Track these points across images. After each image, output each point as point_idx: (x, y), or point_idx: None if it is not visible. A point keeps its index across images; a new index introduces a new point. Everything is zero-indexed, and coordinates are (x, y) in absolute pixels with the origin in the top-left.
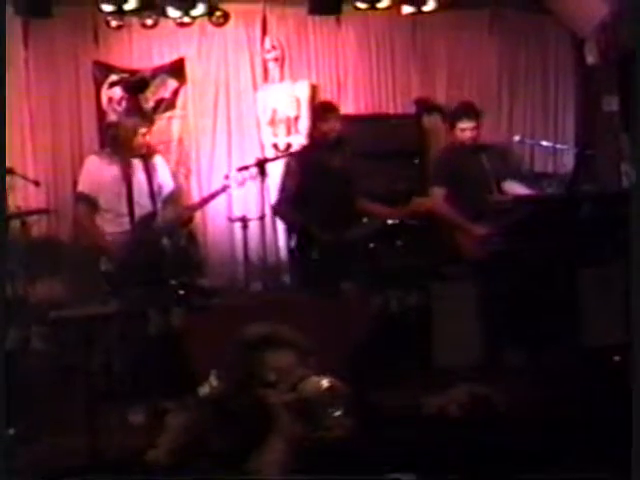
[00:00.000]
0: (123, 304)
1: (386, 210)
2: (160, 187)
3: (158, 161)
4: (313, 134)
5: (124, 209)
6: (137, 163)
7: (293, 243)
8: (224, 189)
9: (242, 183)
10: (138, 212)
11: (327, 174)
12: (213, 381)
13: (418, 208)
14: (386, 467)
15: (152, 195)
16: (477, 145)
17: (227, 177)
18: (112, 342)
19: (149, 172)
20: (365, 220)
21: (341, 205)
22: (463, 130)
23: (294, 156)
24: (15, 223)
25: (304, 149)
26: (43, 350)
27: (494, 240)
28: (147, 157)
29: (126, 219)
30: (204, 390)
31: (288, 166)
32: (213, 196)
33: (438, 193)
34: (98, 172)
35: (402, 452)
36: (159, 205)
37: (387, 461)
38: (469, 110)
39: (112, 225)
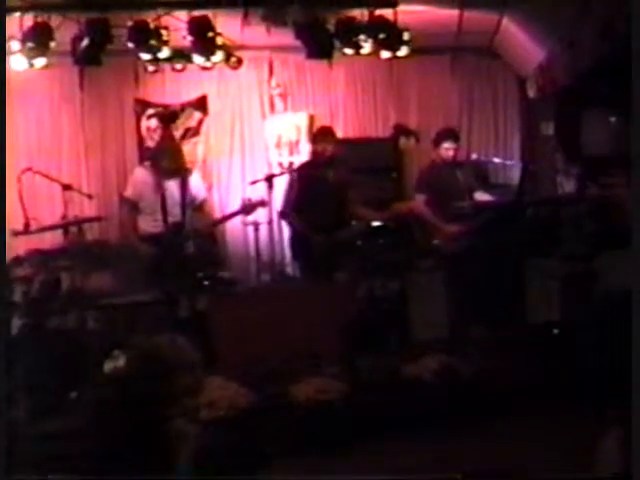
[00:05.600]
0: (160, 293)
1: (371, 213)
2: (192, 198)
3: (195, 176)
4: (313, 153)
5: (159, 214)
6: (176, 179)
7: (295, 242)
8: (241, 211)
9: (253, 209)
10: (171, 218)
11: (322, 186)
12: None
13: (398, 210)
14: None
15: (183, 204)
16: (454, 162)
17: (244, 200)
18: (150, 323)
19: (182, 185)
20: (353, 223)
21: (334, 211)
22: (447, 149)
23: (296, 172)
24: (73, 229)
25: (304, 166)
26: (96, 330)
27: (462, 237)
28: (178, 173)
29: (160, 223)
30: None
31: (291, 180)
32: (232, 215)
33: (419, 199)
34: (142, 180)
35: (384, 412)
36: (189, 213)
37: (373, 420)
38: (452, 134)
39: (149, 226)
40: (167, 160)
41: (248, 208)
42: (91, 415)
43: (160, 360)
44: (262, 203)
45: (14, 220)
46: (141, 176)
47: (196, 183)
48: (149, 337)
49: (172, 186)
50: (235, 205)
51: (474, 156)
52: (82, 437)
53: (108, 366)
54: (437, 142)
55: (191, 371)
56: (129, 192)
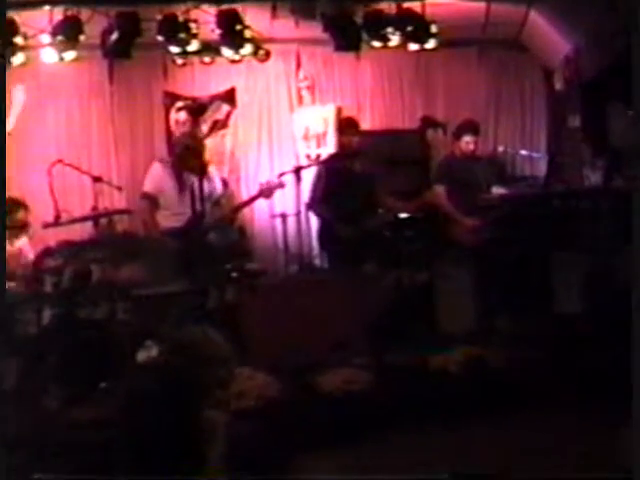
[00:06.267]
0: (188, 284)
1: (399, 205)
2: (211, 192)
3: (211, 170)
4: (339, 145)
5: (179, 209)
6: (191, 173)
7: (323, 233)
8: (260, 195)
9: (272, 193)
10: (190, 212)
11: (349, 178)
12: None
13: (423, 200)
14: (399, 415)
15: (202, 198)
16: (475, 155)
17: (261, 185)
18: (179, 314)
19: (201, 180)
20: (380, 214)
21: (361, 202)
22: (467, 142)
23: (323, 164)
24: (103, 221)
25: (331, 158)
26: (126, 320)
27: (482, 230)
28: (200, 169)
29: (180, 217)
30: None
31: (318, 172)
32: (252, 200)
33: (439, 190)
34: (160, 176)
35: (410, 403)
36: (208, 207)
37: (399, 411)
38: (473, 127)
39: (169, 221)
40: (187, 155)
41: (266, 192)
42: (124, 405)
43: (193, 351)
44: (280, 185)
45: (45, 212)
46: (159, 171)
47: (213, 178)
48: (182, 328)
49: (191, 180)
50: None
51: (501, 148)
52: (114, 427)
53: (141, 356)
54: (457, 135)
55: (223, 362)
56: (149, 187)
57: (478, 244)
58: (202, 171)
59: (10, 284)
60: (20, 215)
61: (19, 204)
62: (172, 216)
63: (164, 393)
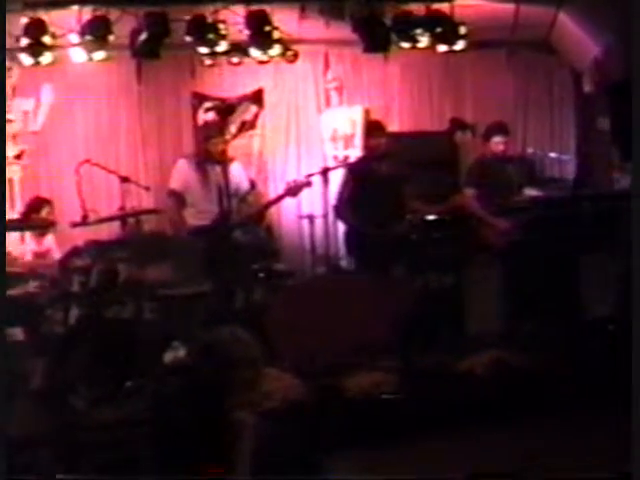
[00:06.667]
0: (215, 284)
1: (426, 207)
2: (237, 189)
3: (235, 166)
4: (366, 148)
5: (205, 206)
6: (217, 168)
7: (350, 236)
8: (286, 194)
9: (298, 191)
10: (217, 209)
11: (376, 180)
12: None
13: (452, 203)
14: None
15: (228, 195)
16: (504, 156)
17: (288, 184)
18: (206, 314)
19: (226, 175)
20: (408, 217)
21: (389, 205)
22: (497, 144)
23: (351, 165)
24: (130, 221)
25: (359, 160)
26: (152, 320)
27: (511, 232)
28: (226, 164)
29: (206, 215)
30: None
31: (345, 174)
32: (278, 199)
33: (468, 193)
34: (186, 173)
35: (437, 405)
36: (234, 204)
37: (426, 412)
38: (502, 128)
39: (196, 219)
40: (209, 142)
41: (294, 190)
42: (151, 405)
43: (222, 352)
44: (307, 184)
45: (72, 212)
46: (185, 168)
47: (238, 174)
48: (211, 329)
49: (216, 177)
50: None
51: (529, 150)
52: (140, 426)
53: (168, 357)
54: (487, 136)
55: (251, 363)
56: (175, 184)
57: (508, 247)
58: (227, 168)
59: (37, 283)
60: (44, 213)
61: (43, 202)
62: (198, 214)
63: (192, 393)
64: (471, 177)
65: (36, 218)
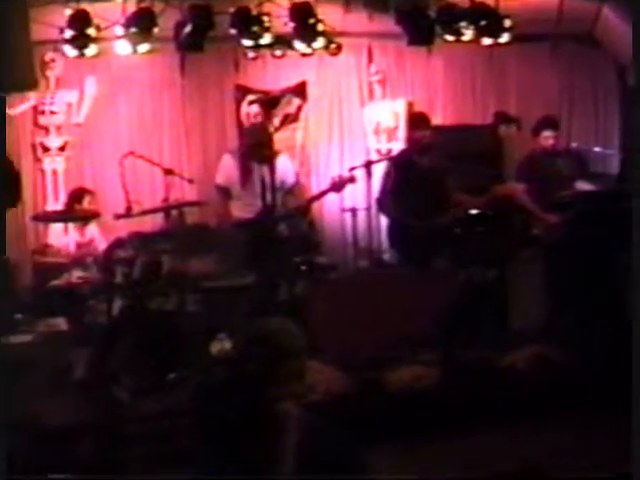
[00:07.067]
0: (258, 277)
1: (470, 200)
2: (282, 181)
3: (282, 159)
4: (409, 141)
5: (250, 199)
6: (261, 163)
7: (393, 229)
8: (331, 189)
9: (343, 186)
10: (261, 202)
11: (420, 173)
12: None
13: (497, 193)
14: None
15: (274, 188)
16: (554, 150)
17: (332, 179)
18: (249, 307)
19: (272, 169)
20: (451, 210)
21: (432, 198)
22: (547, 138)
23: (394, 158)
24: (174, 213)
25: (402, 153)
26: (196, 312)
27: (562, 227)
28: (270, 160)
29: (252, 208)
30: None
31: (388, 167)
32: (323, 193)
33: (520, 187)
34: (231, 167)
35: (479, 400)
36: (280, 196)
37: (467, 407)
38: (552, 122)
39: (242, 211)
40: (256, 148)
41: (338, 185)
42: (198, 396)
43: (272, 343)
44: (352, 180)
45: (116, 203)
46: (230, 162)
47: (285, 167)
48: (260, 320)
49: (261, 171)
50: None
51: (574, 145)
52: (184, 418)
53: (214, 348)
54: (537, 130)
55: (298, 354)
56: (220, 179)
57: (556, 241)
58: (273, 160)
59: (80, 274)
60: (86, 203)
61: (85, 192)
62: (244, 206)
63: (238, 384)
64: (521, 171)
65: (79, 209)
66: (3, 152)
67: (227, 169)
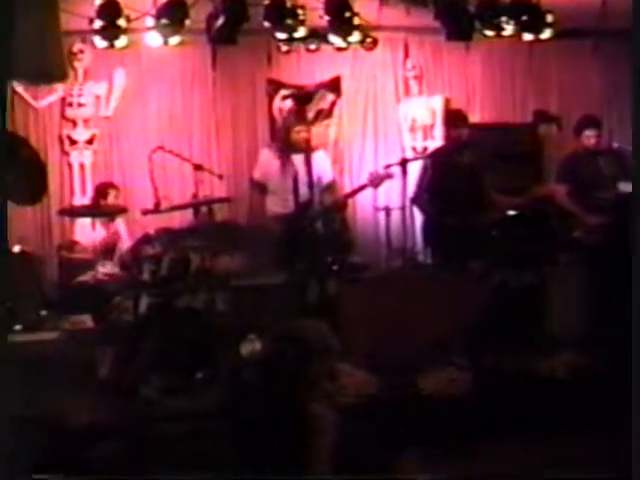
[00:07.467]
0: (288, 276)
1: (508, 201)
2: (320, 178)
3: (320, 156)
4: (446, 138)
5: (288, 194)
6: (300, 157)
7: (428, 229)
8: (368, 184)
9: (380, 182)
10: (298, 197)
11: (456, 172)
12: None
13: (536, 195)
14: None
15: (311, 184)
16: (596, 150)
17: (370, 175)
18: (279, 307)
19: (310, 165)
20: (488, 210)
21: (468, 198)
22: (589, 137)
23: (430, 156)
24: (203, 209)
25: (438, 151)
26: (225, 312)
27: (604, 230)
28: (309, 152)
29: (289, 203)
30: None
31: (424, 165)
32: (360, 189)
33: (561, 189)
34: (268, 162)
35: (514, 407)
36: (317, 192)
37: (502, 414)
38: (594, 121)
39: (278, 206)
40: (292, 131)
41: (376, 181)
42: (225, 397)
43: (306, 343)
44: (389, 176)
45: (143, 199)
46: (268, 157)
47: (322, 163)
48: (291, 321)
49: (299, 166)
50: (367, 191)
51: (616, 145)
52: (213, 418)
53: (245, 349)
54: (578, 130)
55: (331, 356)
56: (257, 175)
57: (597, 244)
58: (310, 156)
59: (107, 270)
60: (111, 198)
61: (109, 187)
62: (281, 201)
63: (269, 385)
64: (562, 172)
65: (105, 205)
66: (3, 149)
67: (263, 164)
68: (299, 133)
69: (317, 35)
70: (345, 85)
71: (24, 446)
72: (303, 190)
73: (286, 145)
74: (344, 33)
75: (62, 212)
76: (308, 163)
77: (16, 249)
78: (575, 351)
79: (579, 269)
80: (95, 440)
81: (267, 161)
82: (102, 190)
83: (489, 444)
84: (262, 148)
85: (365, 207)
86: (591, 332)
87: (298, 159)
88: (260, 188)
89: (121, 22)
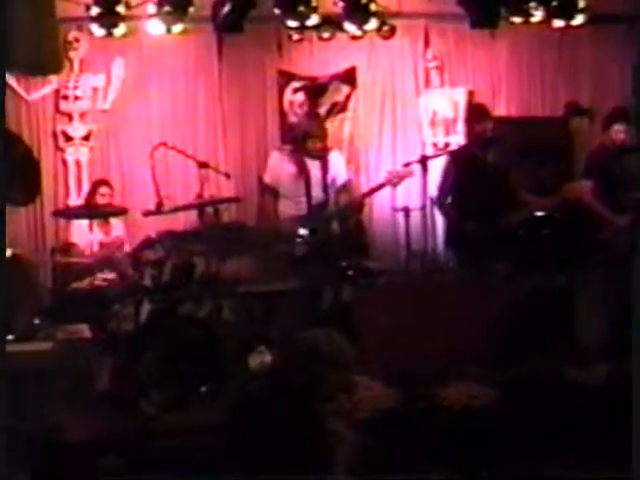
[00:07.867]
0: (300, 282)
1: (536, 200)
2: (334, 179)
3: (334, 156)
4: (469, 134)
5: (301, 197)
6: (314, 162)
7: (450, 231)
8: (387, 183)
9: (400, 181)
10: (312, 200)
11: (481, 170)
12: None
13: (568, 193)
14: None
15: (325, 185)
16: (627, 145)
17: (389, 173)
18: (290, 315)
19: (324, 165)
20: (514, 210)
21: (493, 197)
22: (618, 132)
23: (453, 153)
24: (209, 210)
25: (461, 147)
26: (231, 321)
27: (633, 231)
28: (322, 152)
29: (302, 205)
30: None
31: (447, 163)
32: (378, 188)
33: (586, 185)
34: (279, 165)
35: (542, 419)
36: (332, 194)
37: (528, 426)
38: (624, 114)
39: (290, 209)
40: (308, 140)
41: (395, 180)
42: (231, 412)
43: (318, 355)
44: (409, 174)
45: (144, 199)
46: (278, 160)
47: (337, 164)
48: (304, 331)
49: (313, 170)
50: (385, 191)
51: None
52: (217, 434)
53: (254, 362)
54: (607, 124)
55: (347, 369)
56: (268, 179)
57: (626, 246)
58: (324, 156)
59: (105, 276)
60: (100, 195)
61: (100, 184)
62: (294, 205)
63: (283, 401)
64: (590, 168)
65: (102, 205)
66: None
67: (274, 167)
68: (315, 143)
69: (331, 23)
70: (361, 76)
71: (19, 461)
72: (317, 192)
73: (300, 150)
74: (360, 20)
75: (57, 213)
76: (323, 167)
77: (8, 253)
78: (608, 359)
79: (609, 273)
80: (91, 456)
81: (278, 165)
82: (93, 187)
83: (519, 460)
84: (272, 144)
85: (383, 208)
86: (626, 339)
87: (312, 163)
88: (271, 192)
89: (120, 9)
